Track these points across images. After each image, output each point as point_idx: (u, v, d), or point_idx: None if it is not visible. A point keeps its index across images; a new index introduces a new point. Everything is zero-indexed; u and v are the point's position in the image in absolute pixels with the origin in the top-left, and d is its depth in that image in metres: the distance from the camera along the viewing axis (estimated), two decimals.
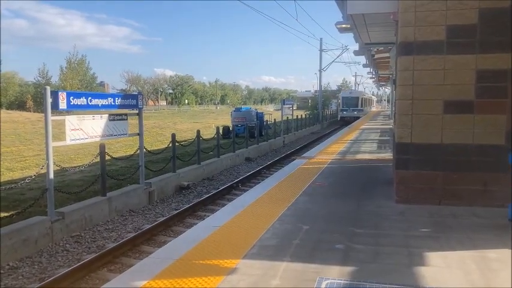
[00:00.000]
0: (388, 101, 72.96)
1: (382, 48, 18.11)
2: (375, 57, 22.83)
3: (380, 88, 76.75)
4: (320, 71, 52.73)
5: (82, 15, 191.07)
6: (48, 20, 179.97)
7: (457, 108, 6.67)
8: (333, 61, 61.45)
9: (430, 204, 6.82)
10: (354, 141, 18.70)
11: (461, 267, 4.44)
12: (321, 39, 51.11)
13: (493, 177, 6.58)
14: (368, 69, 34.57)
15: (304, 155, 13.77)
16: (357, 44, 17.13)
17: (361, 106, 52.77)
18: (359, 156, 13.28)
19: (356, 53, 21.72)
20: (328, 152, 14.20)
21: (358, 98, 52.55)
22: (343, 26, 12.72)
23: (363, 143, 17.84)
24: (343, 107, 51.78)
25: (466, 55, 6.58)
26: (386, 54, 19.49)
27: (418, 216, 6.32)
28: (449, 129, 6.72)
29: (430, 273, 4.28)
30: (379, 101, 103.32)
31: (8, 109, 48.22)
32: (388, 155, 13.03)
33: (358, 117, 44.95)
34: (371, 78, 48.35)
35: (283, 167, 11.13)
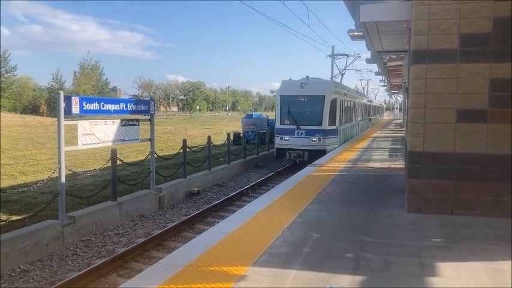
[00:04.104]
0: (400, 109, 71.48)
1: (394, 56, 18.03)
2: (387, 65, 22.72)
3: (392, 96, 76.28)
4: (332, 77, 52.62)
5: (95, 21, 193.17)
6: (63, 25, 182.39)
7: (470, 117, 6.60)
8: (345, 68, 55.86)
9: (442, 213, 6.74)
10: (366, 149, 18.59)
11: (474, 278, 4.37)
12: (333, 46, 50.63)
13: (506, 188, 6.48)
14: (380, 77, 34.39)
15: (314, 162, 13.71)
16: (369, 51, 17.07)
17: (342, 121, 20.96)
18: (370, 164, 13.20)
19: (368, 60, 21.64)
20: (339, 160, 14.13)
21: (323, 98, 18.77)
22: (356, 33, 12.69)
23: (375, 151, 17.74)
24: (282, 121, 19.41)
25: (480, 64, 6.51)
26: (399, 62, 19.38)
27: (430, 226, 6.24)
28: (462, 138, 6.65)
29: (441, 284, 4.22)
30: (391, 109, 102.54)
31: (22, 113, 48.82)
32: (399, 163, 12.93)
33: (322, 152, 17.68)
34: (383, 86, 48.04)
35: (294, 174, 11.07)
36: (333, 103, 18.84)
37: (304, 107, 18.89)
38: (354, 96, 26.87)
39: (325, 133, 18.30)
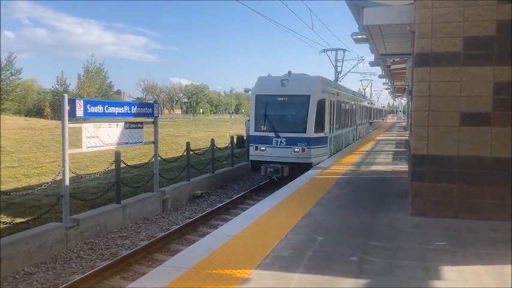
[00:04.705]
0: (403, 112, 71.03)
1: (398, 59, 18.02)
2: (391, 68, 22.70)
3: (395, 99, 76.17)
4: (336, 80, 52.55)
5: (100, 24, 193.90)
6: (67, 28, 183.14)
7: (474, 120, 6.58)
8: (348, 71, 54.39)
9: (446, 217, 6.72)
10: (369, 152, 18.56)
11: (478, 282, 4.35)
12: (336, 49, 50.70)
13: (510, 191, 6.45)
14: (384, 79, 34.38)
15: (318, 165, 13.71)
16: (373, 54, 17.08)
17: (334, 126, 17.59)
18: (374, 168, 13.18)
19: (372, 63, 21.66)
20: (343, 163, 14.11)
21: (308, 98, 15.30)
22: (359, 36, 12.70)
23: (378, 154, 17.71)
24: (257, 127, 15.80)
25: (484, 67, 6.50)
26: (402, 65, 19.37)
27: (433, 230, 6.23)
28: (466, 142, 6.63)
29: None
30: (395, 112, 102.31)
31: (26, 116, 48.98)
32: (403, 166, 12.91)
33: (306, 166, 14.10)
34: (387, 89, 47.97)
35: (298, 177, 11.05)
36: (321, 105, 15.52)
37: (285, 109, 15.69)
38: (350, 97, 23.36)
39: (310, 142, 14.98)
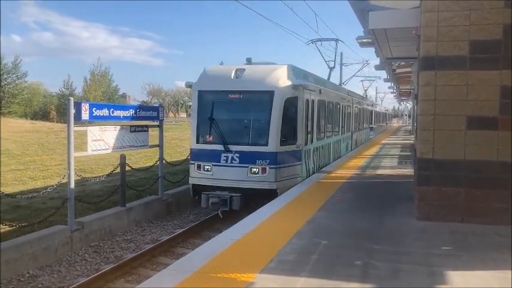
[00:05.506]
0: (409, 116, 70.70)
1: (403, 62, 18.01)
2: (396, 72, 22.70)
3: (401, 103, 76.08)
4: (340, 84, 52.55)
5: (106, 28, 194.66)
6: (73, 32, 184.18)
7: (480, 124, 6.55)
8: (353, 75, 53.14)
9: (451, 221, 6.67)
10: (374, 156, 18.51)
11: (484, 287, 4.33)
12: (341, 53, 50.65)
13: (511, 196, 6.41)
14: (389, 83, 34.35)
15: (323, 169, 13.67)
16: (378, 58, 17.08)
17: (315, 135, 13.08)
18: (379, 172, 13.13)
19: (377, 67, 21.66)
20: (348, 167, 14.08)
21: (271, 96, 10.60)
22: (365, 40, 12.72)
23: (383, 158, 17.66)
24: (200, 137, 11.13)
25: (490, 71, 6.47)
26: (408, 69, 19.35)
27: (439, 234, 6.19)
28: (472, 146, 6.60)
29: None
30: (400, 116, 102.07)
31: (32, 119, 49.22)
32: (409, 170, 12.86)
33: (270, 193, 9.95)
34: (392, 92, 47.93)
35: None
36: (291, 105, 11.03)
37: (239, 111, 11.10)
38: (342, 97, 18.51)
39: (275, 159, 10.46)
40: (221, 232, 7.39)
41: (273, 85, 10.65)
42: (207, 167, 10.75)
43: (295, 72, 11.56)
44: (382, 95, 68.00)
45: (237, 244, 5.71)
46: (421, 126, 6.92)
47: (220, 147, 10.56)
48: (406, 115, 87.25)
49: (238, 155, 10.49)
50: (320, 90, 13.47)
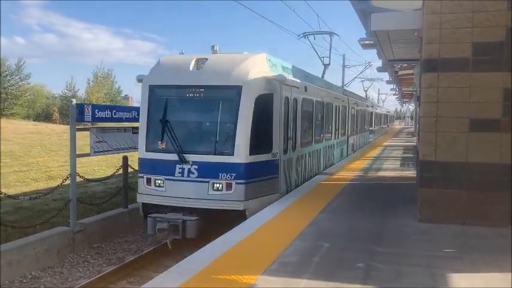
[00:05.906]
0: (411, 118, 70.43)
1: (405, 64, 17.99)
2: (399, 74, 22.66)
3: (403, 105, 75.95)
4: (343, 86, 52.47)
5: (109, 30, 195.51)
6: (76, 34, 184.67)
7: (483, 126, 6.53)
8: (355, 77, 50.77)
9: (454, 224, 6.65)
10: (377, 158, 18.48)
11: None
12: (343, 55, 50.54)
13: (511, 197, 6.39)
14: (391, 85, 34.31)
15: (325, 170, 13.66)
16: (380, 60, 17.06)
17: (298, 140, 10.72)
18: (382, 174, 13.12)
19: (379, 69, 21.60)
20: (350, 169, 14.06)
21: (238, 92, 8.36)
22: (367, 42, 12.69)
23: (386, 160, 17.63)
24: (151, 144, 8.82)
25: (493, 73, 6.46)
26: (410, 71, 19.32)
27: (441, 236, 6.17)
28: (475, 148, 6.58)
29: None
30: (402, 118, 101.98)
31: (35, 120, 49.32)
32: (411, 172, 12.83)
33: (236, 215, 7.93)
34: (394, 94, 47.86)
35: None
36: (264, 103, 8.85)
37: (199, 111, 9.03)
38: (335, 96, 16.39)
39: (244, 172, 8.36)
40: (223, 234, 7.36)
41: (241, 79, 8.45)
42: (159, 181, 8.56)
43: (271, 63, 9.41)
44: (384, 96, 67.60)
45: (239, 246, 5.71)
46: (423, 128, 6.91)
47: (174, 156, 8.39)
48: (408, 117, 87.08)
49: (196, 167, 8.34)
50: (306, 88, 11.44)
